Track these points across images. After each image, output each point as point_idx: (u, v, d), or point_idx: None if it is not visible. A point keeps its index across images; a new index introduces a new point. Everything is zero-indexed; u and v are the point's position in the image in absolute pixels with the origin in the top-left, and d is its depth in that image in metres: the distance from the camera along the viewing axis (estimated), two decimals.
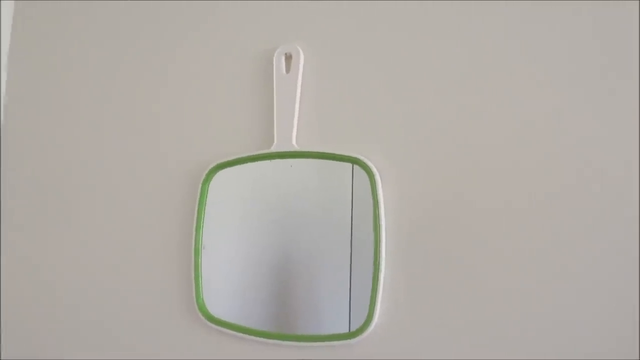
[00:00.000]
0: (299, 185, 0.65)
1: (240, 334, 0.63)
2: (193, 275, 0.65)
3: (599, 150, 0.54)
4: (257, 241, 0.66)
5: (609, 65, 0.54)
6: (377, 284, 0.58)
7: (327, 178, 0.64)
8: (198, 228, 0.66)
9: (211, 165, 0.66)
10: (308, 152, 0.63)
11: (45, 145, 0.78)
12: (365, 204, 0.60)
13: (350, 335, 0.58)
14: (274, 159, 0.64)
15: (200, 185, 0.66)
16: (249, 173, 0.66)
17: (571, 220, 0.54)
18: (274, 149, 0.64)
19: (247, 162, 0.65)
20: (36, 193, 0.78)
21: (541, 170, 0.55)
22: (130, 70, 0.75)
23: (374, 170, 0.60)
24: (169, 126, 0.71)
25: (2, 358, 0.76)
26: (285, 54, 0.66)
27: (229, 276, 0.66)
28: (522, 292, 0.55)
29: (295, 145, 0.64)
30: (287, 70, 0.65)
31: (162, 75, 0.73)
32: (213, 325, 0.64)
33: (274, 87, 0.65)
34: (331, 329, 0.60)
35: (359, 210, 0.61)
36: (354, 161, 0.61)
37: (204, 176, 0.66)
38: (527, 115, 0.56)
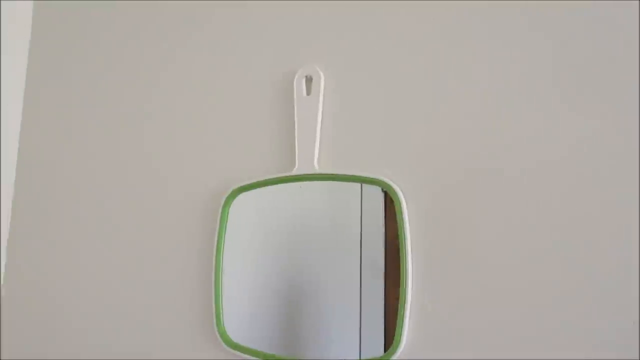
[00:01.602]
0: (310, 205, 0.65)
1: None
2: (214, 300, 0.64)
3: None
4: (271, 262, 0.65)
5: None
6: (404, 308, 0.57)
7: (337, 197, 0.64)
8: (219, 253, 0.65)
9: (232, 189, 0.66)
10: (330, 174, 0.63)
11: (65, 166, 0.78)
12: (374, 222, 0.60)
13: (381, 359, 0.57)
14: (295, 181, 0.64)
15: (220, 209, 0.65)
16: (265, 195, 0.65)
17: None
18: (295, 172, 0.64)
19: (268, 185, 0.65)
20: (50, 216, 0.77)
21: (565, 180, 0.55)
22: (151, 93, 0.75)
23: (399, 192, 0.60)
24: (190, 149, 0.71)
25: None
26: (306, 76, 0.66)
27: (244, 299, 0.65)
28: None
29: (317, 168, 0.63)
30: (308, 92, 0.65)
31: (183, 98, 0.73)
32: (233, 351, 0.63)
33: (295, 109, 0.65)
34: (341, 354, 0.59)
35: (368, 231, 0.61)
36: (378, 183, 0.60)
37: (224, 199, 0.66)
38: (552, 132, 0.56)
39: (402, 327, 0.57)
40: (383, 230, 0.60)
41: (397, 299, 0.58)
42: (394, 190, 0.60)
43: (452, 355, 0.56)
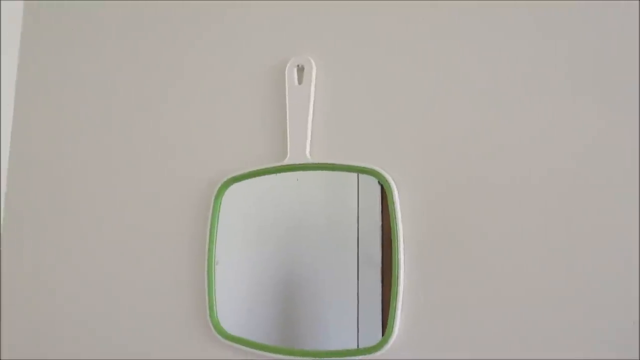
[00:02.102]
0: (307, 198, 0.64)
1: (258, 351, 0.61)
2: (207, 291, 0.64)
3: (613, 152, 0.53)
4: (268, 255, 0.65)
5: (618, 69, 0.54)
6: (396, 297, 0.57)
7: (333, 190, 0.63)
8: (211, 243, 0.65)
9: (224, 179, 0.65)
10: (322, 164, 0.62)
11: (54, 159, 0.78)
12: (370, 215, 0.60)
13: (370, 349, 0.57)
14: (287, 171, 0.63)
15: (213, 199, 0.65)
16: (260, 186, 0.65)
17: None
18: (287, 161, 0.63)
19: (260, 175, 0.64)
20: (45, 207, 0.77)
21: (560, 175, 0.55)
22: (142, 84, 0.74)
23: (391, 181, 0.59)
24: (181, 140, 0.70)
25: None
26: (298, 65, 0.65)
27: (240, 291, 0.65)
28: (543, 298, 0.54)
29: (309, 157, 0.63)
30: (300, 81, 0.65)
31: (174, 89, 0.72)
32: (227, 342, 0.63)
33: (287, 99, 0.65)
34: (339, 344, 0.59)
35: (365, 222, 0.60)
36: (370, 172, 0.60)
37: (216, 190, 0.65)
38: (545, 122, 0.56)
39: (394, 317, 0.57)
40: (380, 221, 0.60)
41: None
42: (386, 180, 0.59)
43: (445, 346, 0.56)
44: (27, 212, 0.78)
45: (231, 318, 0.64)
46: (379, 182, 0.60)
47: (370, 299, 0.59)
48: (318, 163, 0.62)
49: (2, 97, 0.80)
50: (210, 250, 0.65)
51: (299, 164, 0.63)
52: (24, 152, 0.80)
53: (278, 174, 0.64)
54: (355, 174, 0.61)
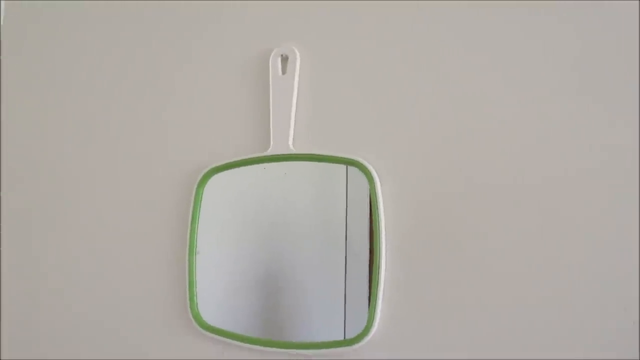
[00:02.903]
0: (293, 190, 0.64)
1: (238, 342, 0.61)
2: (187, 281, 0.64)
3: (612, 152, 0.53)
4: (250, 246, 0.64)
5: (612, 68, 0.54)
6: (376, 289, 0.56)
7: (321, 182, 0.63)
8: (192, 233, 0.64)
9: (206, 169, 0.65)
10: (305, 154, 0.62)
11: (39, 146, 0.76)
12: (359, 207, 0.60)
13: (351, 341, 0.57)
14: (270, 162, 0.63)
15: (194, 189, 0.65)
16: (243, 177, 0.65)
17: (573, 219, 0.53)
18: (270, 152, 0.63)
19: (243, 166, 0.64)
20: (28, 194, 0.76)
21: (544, 169, 0.54)
22: (123, 73, 0.73)
23: (373, 172, 0.59)
24: (163, 129, 0.70)
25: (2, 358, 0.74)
26: (282, 55, 0.65)
27: (222, 282, 0.65)
28: (526, 293, 0.54)
29: (292, 148, 0.62)
30: (284, 71, 0.64)
31: (156, 78, 0.71)
32: (207, 333, 0.63)
33: (270, 89, 0.64)
34: (325, 336, 0.59)
35: (353, 214, 0.60)
36: (352, 163, 0.60)
37: (199, 180, 0.65)
38: (530, 117, 0.56)
39: (375, 307, 0.56)
40: (368, 214, 0.59)
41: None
42: (369, 171, 0.59)
43: (427, 340, 0.56)
44: (17, 205, 0.77)
45: (212, 309, 0.63)
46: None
47: (357, 292, 0.59)
48: (301, 154, 0.62)
49: None
50: (191, 239, 0.64)
51: (282, 155, 0.62)
52: (12, 139, 0.79)
53: (265, 167, 0.63)
54: (344, 167, 0.61)
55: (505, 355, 0.53)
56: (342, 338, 0.58)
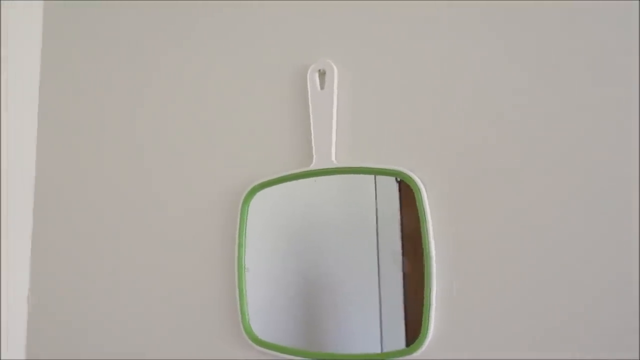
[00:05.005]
0: (324, 201, 0.65)
1: (292, 357, 0.62)
2: (238, 297, 0.65)
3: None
4: (293, 259, 0.65)
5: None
6: (429, 296, 0.57)
7: (351, 192, 0.64)
8: (240, 249, 0.65)
9: (251, 186, 0.66)
10: (349, 167, 0.63)
11: (84, 166, 0.79)
12: (389, 216, 0.60)
13: (405, 352, 0.57)
14: (314, 176, 0.64)
15: (240, 207, 0.66)
16: (284, 192, 0.65)
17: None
18: (313, 166, 0.64)
19: (287, 181, 0.65)
20: (76, 211, 0.78)
21: (595, 177, 0.55)
22: (166, 91, 0.75)
23: (419, 182, 0.59)
24: (207, 147, 0.71)
25: None
26: (319, 70, 0.65)
27: (268, 297, 0.66)
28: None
29: (335, 162, 0.63)
30: (322, 86, 0.65)
31: (199, 97, 0.73)
32: (260, 348, 0.64)
33: (310, 104, 0.65)
34: (362, 347, 0.59)
35: (384, 223, 0.61)
36: (397, 174, 0.60)
37: (243, 197, 0.66)
38: (575, 123, 0.56)
39: (428, 318, 0.57)
40: (399, 221, 0.60)
41: (417, 290, 0.58)
42: (414, 181, 0.59)
43: (479, 346, 0.56)
44: (60, 219, 0.79)
45: (259, 322, 0.64)
46: (396, 179, 0.60)
47: (393, 297, 0.59)
48: (345, 167, 0.63)
49: (27, 98, 0.81)
50: (239, 256, 0.65)
51: (326, 169, 0.63)
52: (51, 158, 0.81)
53: (316, 179, 0.64)
54: (372, 176, 0.62)
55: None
56: (379, 348, 0.58)
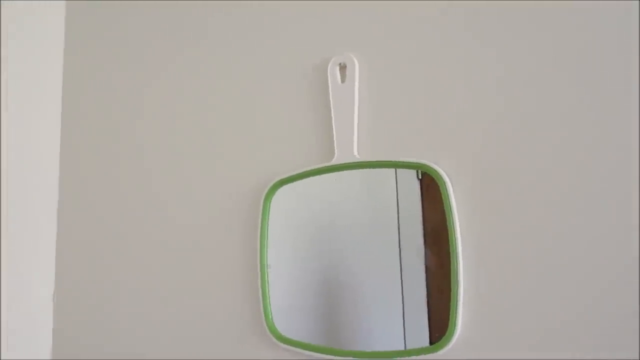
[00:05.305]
0: (345, 197, 0.64)
1: (315, 354, 0.61)
2: (260, 295, 0.64)
3: None
4: (315, 256, 0.64)
5: None
6: (456, 292, 0.56)
7: (372, 187, 0.63)
8: (262, 247, 0.65)
9: (273, 182, 0.65)
10: (372, 162, 0.62)
11: (107, 163, 0.79)
12: (411, 211, 0.59)
13: (431, 349, 0.56)
14: (336, 171, 0.63)
15: (262, 203, 0.65)
16: (305, 187, 0.65)
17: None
18: (335, 161, 0.63)
19: (309, 176, 0.64)
20: (96, 205, 0.78)
21: (620, 169, 0.53)
22: (187, 88, 0.74)
23: (444, 175, 0.58)
24: (229, 144, 0.71)
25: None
26: (340, 63, 0.64)
27: (290, 293, 0.65)
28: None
29: (357, 156, 0.62)
30: (343, 80, 0.64)
31: (219, 93, 0.72)
32: (285, 346, 0.63)
33: (330, 98, 0.64)
34: (385, 343, 0.58)
35: (406, 219, 0.60)
36: (421, 167, 0.59)
37: (265, 193, 0.65)
38: (604, 114, 0.54)
39: (455, 315, 0.55)
40: (421, 215, 0.59)
41: (440, 286, 0.57)
42: (439, 174, 0.58)
43: (510, 339, 0.55)
44: (84, 217, 0.79)
45: (281, 321, 0.64)
46: (417, 177, 0.59)
47: (415, 293, 0.58)
48: (367, 161, 0.62)
49: (50, 98, 0.81)
50: (262, 254, 0.64)
51: (348, 163, 0.62)
52: (75, 154, 0.81)
53: (336, 178, 0.63)
54: (392, 170, 0.60)
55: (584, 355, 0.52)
56: (402, 344, 0.57)
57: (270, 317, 0.64)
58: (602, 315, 0.52)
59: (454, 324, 0.55)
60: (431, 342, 0.56)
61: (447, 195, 0.57)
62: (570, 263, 0.53)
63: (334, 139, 0.63)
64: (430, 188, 0.59)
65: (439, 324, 0.56)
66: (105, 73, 0.81)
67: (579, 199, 0.54)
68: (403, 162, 0.60)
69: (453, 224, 0.57)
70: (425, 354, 0.56)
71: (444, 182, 0.58)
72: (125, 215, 0.76)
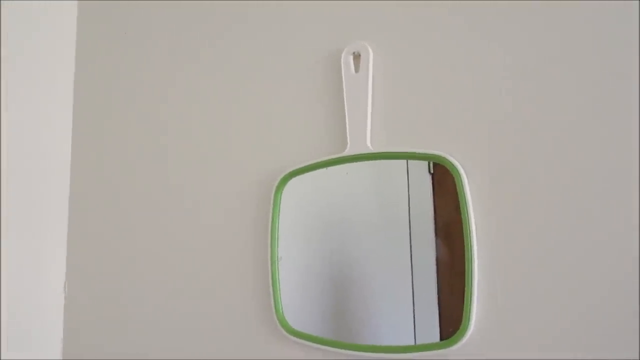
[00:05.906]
0: (356, 190, 0.63)
1: (326, 347, 0.60)
2: (271, 287, 0.63)
3: None
4: (326, 248, 0.63)
5: None
6: (471, 288, 0.54)
7: (383, 180, 0.62)
8: (273, 239, 0.64)
9: (284, 173, 0.64)
10: (385, 152, 0.60)
11: (116, 153, 0.78)
12: (422, 204, 0.58)
13: (445, 344, 0.55)
14: (349, 162, 0.62)
15: (273, 195, 0.64)
16: (316, 179, 0.64)
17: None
18: (348, 152, 0.62)
19: (321, 168, 0.63)
20: (106, 200, 0.78)
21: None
22: (198, 77, 0.74)
23: (459, 167, 0.57)
24: (240, 134, 0.70)
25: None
26: (354, 53, 0.63)
27: (298, 286, 0.64)
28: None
29: (370, 147, 0.61)
30: (357, 69, 0.63)
31: (231, 82, 0.71)
32: (295, 339, 0.62)
33: (344, 87, 0.63)
34: (395, 338, 0.57)
35: (417, 212, 0.59)
36: (436, 159, 0.58)
37: (277, 184, 0.64)
38: (616, 110, 0.52)
39: (469, 310, 0.54)
40: (432, 210, 0.58)
41: (450, 281, 0.56)
42: (454, 166, 0.57)
43: (524, 336, 0.53)
44: (92, 210, 0.79)
45: (291, 314, 0.63)
46: (429, 171, 0.58)
47: (425, 287, 0.57)
48: (380, 152, 0.60)
49: (61, 91, 0.81)
50: (272, 246, 0.64)
51: (361, 154, 0.61)
52: (85, 145, 0.81)
53: (347, 171, 0.62)
54: (404, 163, 0.59)
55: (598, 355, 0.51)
56: (412, 339, 0.56)
57: (280, 310, 0.63)
58: (603, 315, 0.51)
59: (468, 320, 0.54)
60: (441, 338, 0.55)
61: (462, 187, 0.56)
62: (586, 261, 0.52)
63: (347, 129, 0.62)
64: (442, 182, 0.57)
65: (450, 320, 0.55)
66: (117, 67, 0.80)
67: (598, 193, 0.52)
68: (417, 153, 0.58)
69: (467, 216, 0.55)
70: (437, 349, 0.55)
71: (459, 174, 0.56)
72: (136, 210, 0.76)
